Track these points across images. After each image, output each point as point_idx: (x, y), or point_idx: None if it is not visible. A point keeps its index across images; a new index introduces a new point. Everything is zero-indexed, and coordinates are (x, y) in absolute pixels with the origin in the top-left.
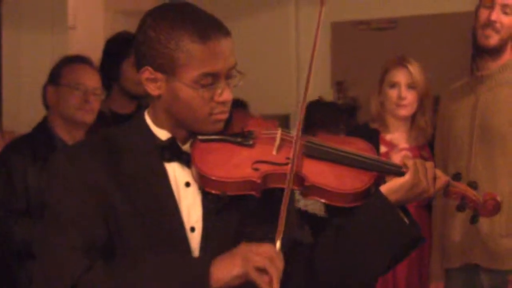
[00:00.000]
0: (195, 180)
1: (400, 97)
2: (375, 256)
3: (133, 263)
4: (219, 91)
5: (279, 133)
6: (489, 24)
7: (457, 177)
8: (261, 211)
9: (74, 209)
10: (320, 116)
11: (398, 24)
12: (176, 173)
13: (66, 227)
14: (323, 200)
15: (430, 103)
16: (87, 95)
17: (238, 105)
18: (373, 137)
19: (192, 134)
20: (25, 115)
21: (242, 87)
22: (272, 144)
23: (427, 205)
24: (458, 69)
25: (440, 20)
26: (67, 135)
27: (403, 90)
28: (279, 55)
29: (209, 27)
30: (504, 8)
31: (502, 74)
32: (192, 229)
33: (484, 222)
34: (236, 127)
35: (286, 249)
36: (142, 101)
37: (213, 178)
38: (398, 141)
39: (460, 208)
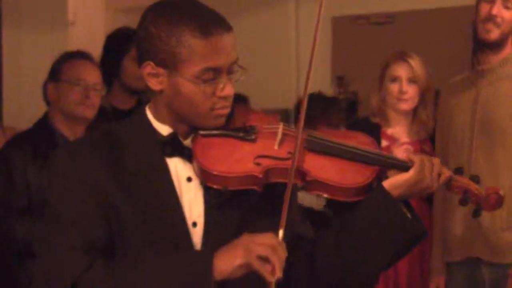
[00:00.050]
0: (197, 175)
1: (401, 92)
2: (377, 251)
3: (134, 262)
4: (220, 86)
5: (280, 127)
6: (490, 18)
7: (459, 171)
8: (263, 206)
9: (74, 209)
10: (317, 109)
11: (395, 18)
12: (178, 168)
13: (66, 227)
14: (325, 195)
15: (432, 97)
16: (88, 90)
17: (239, 99)
18: (374, 131)
19: (193, 129)
20: (25, 111)
21: (243, 82)
22: (274, 139)
23: (428, 199)
24: (457, 63)
25: (438, 15)
26: (68, 131)
27: (404, 84)
28: (279, 50)
29: (210, 22)
30: (505, 2)
31: (503, 68)
32: (194, 224)
33: (485, 216)
34: (237, 122)
35: (289, 242)
36: (143, 96)
37: (215, 173)
38: (399, 135)
39: (463, 202)
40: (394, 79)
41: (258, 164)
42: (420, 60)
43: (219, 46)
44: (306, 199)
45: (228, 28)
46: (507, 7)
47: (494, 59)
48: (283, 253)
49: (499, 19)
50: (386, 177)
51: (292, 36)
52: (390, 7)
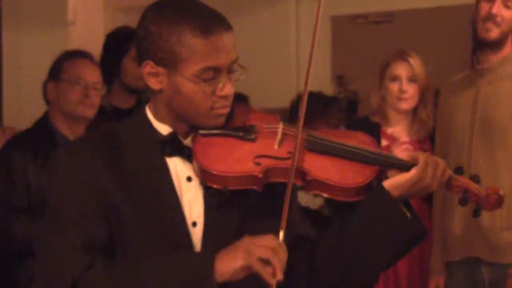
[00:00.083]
0: (197, 175)
1: (401, 91)
2: (377, 251)
3: (134, 261)
4: (220, 85)
5: (280, 127)
6: (490, 17)
7: (459, 170)
8: (263, 206)
9: (74, 209)
10: (315, 109)
11: (395, 17)
12: (178, 167)
13: (66, 227)
14: (325, 195)
15: (431, 96)
16: (88, 90)
17: (239, 99)
18: (374, 131)
19: (193, 129)
20: (25, 111)
21: (243, 81)
22: (274, 138)
23: (428, 198)
24: (456, 63)
25: (437, 14)
26: (68, 131)
27: (404, 83)
28: (279, 49)
29: (211, 21)
30: (505, 2)
31: (503, 67)
32: (194, 224)
33: (485, 216)
34: (237, 121)
35: (290, 243)
36: (142, 95)
37: (215, 172)
38: (399, 134)
39: (463, 201)
40: (394, 78)
41: (258, 163)
42: (420, 59)
43: (219, 45)
44: (303, 198)
45: (228, 27)
46: (507, 6)
47: (494, 58)
48: (284, 255)
49: (499, 18)
50: (386, 177)
51: (292, 35)
52: (390, 6)
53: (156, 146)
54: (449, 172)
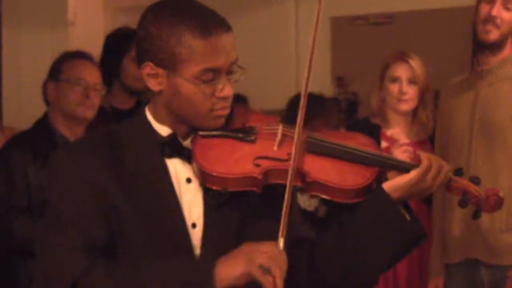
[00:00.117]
0: (196, 176)
1: (401, 92)
2: (377, 253)
3: (134, 264)
4: (220, 86)
5: (280, 128)
6: (490, 19)
7: (459, 172)
8: (262, 207)
9: (74, 209)
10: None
11: (395, 19)
12: (177, 169)
13: (66, 227)
14: (324, 196)
15: (431, 97)
16: (88, 90)
17: (238, 100)
18: (374, 132)
19: (193, 130)
20: (25, 111)
21: (242, 82)
22: (273, 140)
23: (427, 200)
24: (456, 64)
25: (437, 15)
26: (68, 131)
27: (405, 85)
28: (279, 50)
29: (210, 22)
30: (505, 4)
31: (502, 69)
32: (193, 225)
33: (484, 218)
34: (237, 122)
35: (290, 245)
36: (142, 96)
37: (214, 174)
38: (399, 136)
39: (462, 203)
40: (394, 80)
41: (257, 165)
42: (420, 60)
43: (218, 46)
44: (299, 200)
45: (227, 28)
46: (507, 8)
47: (494, 60)
48: (284, 263)
49: (498, 20)
50: (386, 179)
51: (292, 35)
52: (390, 7)
53: (156, 147)
54: (449, 173)
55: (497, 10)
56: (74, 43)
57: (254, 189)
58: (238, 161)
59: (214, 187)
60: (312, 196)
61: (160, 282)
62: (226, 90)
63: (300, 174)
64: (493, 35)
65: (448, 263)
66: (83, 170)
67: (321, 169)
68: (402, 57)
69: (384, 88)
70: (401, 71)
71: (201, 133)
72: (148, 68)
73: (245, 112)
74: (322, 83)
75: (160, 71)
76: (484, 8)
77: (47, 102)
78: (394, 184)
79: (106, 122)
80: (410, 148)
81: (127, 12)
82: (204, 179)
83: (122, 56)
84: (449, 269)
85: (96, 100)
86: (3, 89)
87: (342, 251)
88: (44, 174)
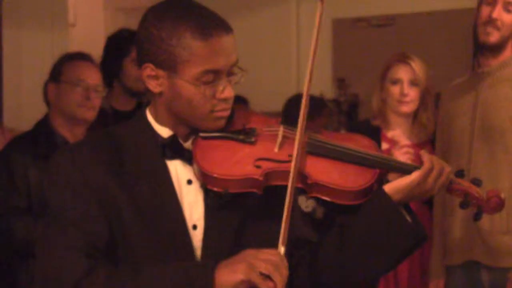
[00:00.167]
0: (197, 178)
1: (402, 94)
2: (378, 255)
3: (135, 268)
4: (220, 88)
5: (281, 130)
6: (490, 21)
7: (460, 174)
8: (263, 209)
9: (75, 210)
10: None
11: (396, 21)
12: (178, 170)
13: (67, 228)
14: (326, 198)
15: (432, 99)
16: (88, 92)
17: (239, 101)
18: (375, 134)
19: (193, 131)
20: (26, 112)
21: (242, 84)
22: (274, 141)
23: (428, 202)
24: (457, 66)
25: (438, 17)
26: (68, 133)
27: (406, 86)
28: (280, 51)
29: (211, 24)
30: (506, 6)
31: (503, 71)
32: (194, 227)
33: (485, 220)
34: (238, 124)
35: (291, 248)
36: (142, 98)
37: (215, 175)
38: (399, 138)
39: (464, 205)
40: (395, 81)
41: (258, 166)
42: (421, 62)
43: (219, 48)
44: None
45: (228, 29)
46: (508, 10)
47: (494, 62)
48: (285, 271)
49: (499, 22)
50: (387, 180)
51: (293, 37)
52: (391, 9)
53: (157, 149)
54: (451, 175)
55: (498, 12)
56: (75, 44)
57: (255, 190)
58: (238, 163)
59: (215, 189)
60: (310, 198)
61: (160, 287)
62: (227, 91)
63: (301, 176)
64: (494, 37)
65: (449, 265)
66: (84, 172)
67: (322, 170)
68: (403, 58)
69: (385, 89)
70: (402, 73)
71: (201, 134)
72: (149, 69)
73: (246, 113)
74: (323, 85)
75: (161, 72)
76: (485, 10)
77: (47, 103)
78: (395, 186)
79: (106, 123)
80: (411, 150)
81: (128, 13)
82: (205, 180)
83: (122, 58)
84: (449, 271)
85: (96, 101)
86: (3, 90)
87: (342, 252)
88: (45, 175)
